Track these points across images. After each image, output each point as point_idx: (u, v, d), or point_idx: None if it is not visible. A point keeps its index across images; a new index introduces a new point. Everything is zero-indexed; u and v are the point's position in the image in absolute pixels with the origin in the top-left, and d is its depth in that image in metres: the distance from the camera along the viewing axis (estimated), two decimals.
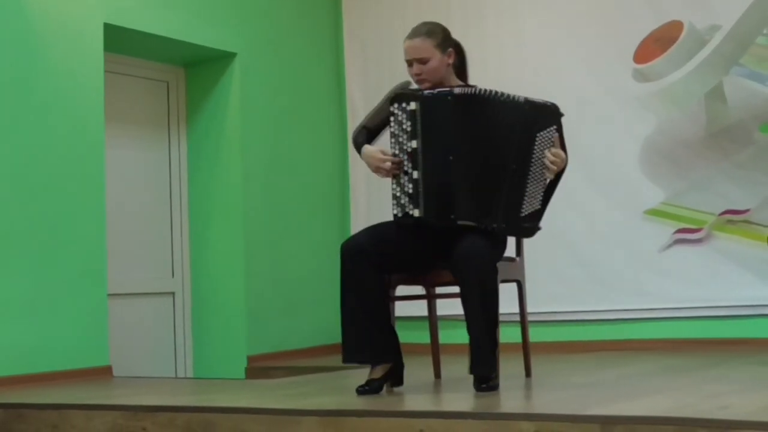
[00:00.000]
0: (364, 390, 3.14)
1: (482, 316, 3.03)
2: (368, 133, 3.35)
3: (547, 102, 3.18)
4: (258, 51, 5.43)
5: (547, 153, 3.12)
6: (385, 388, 3.20)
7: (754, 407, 2.50)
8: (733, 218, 4.73)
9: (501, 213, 3.13)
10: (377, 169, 3.20)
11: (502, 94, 3.15)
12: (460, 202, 3.14)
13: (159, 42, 5.00)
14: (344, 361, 3.21)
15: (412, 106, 3.15)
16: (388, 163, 3.16)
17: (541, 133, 3.13)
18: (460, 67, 3.38)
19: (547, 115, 3.16)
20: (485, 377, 3.07)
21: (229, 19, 5.31)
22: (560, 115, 3.19)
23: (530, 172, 3.13)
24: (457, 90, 3.18)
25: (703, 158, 4.82)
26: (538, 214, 3.20)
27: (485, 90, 3.16)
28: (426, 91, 3.21)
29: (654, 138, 4.96)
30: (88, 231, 4.51)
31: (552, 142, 3.15)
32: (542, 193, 3.18)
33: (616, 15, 5.06)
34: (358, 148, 3.34)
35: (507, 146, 3.13)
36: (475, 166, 3.15)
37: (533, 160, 3.13)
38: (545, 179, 3.16)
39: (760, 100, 4.70)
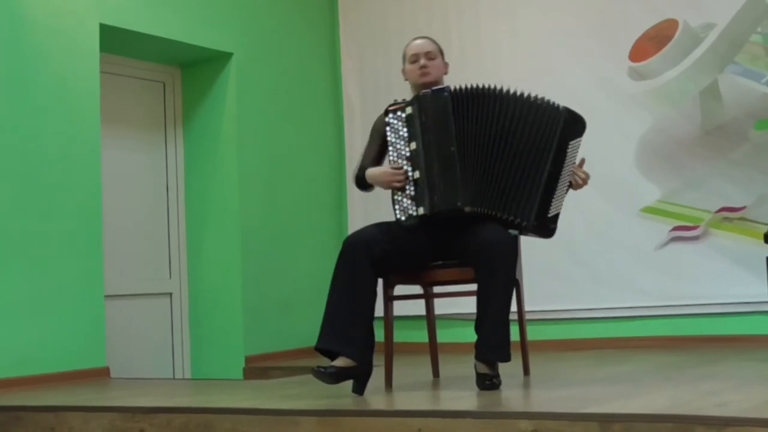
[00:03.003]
0: (318, 372, 3.04)
1: (503, 301, 3.07)
2: (372, 166, 3.40)
3: (579, 113, 3.28)
4: (254, 51, 5.43)
5: (580, 173, 3.26)
6: (353, 388, 3.13)
7: (750, 404, 2.51)
8: (730, 216, 4.73)
9: (534, 211, 3.19)
10: (390, 184, 3.24)
11: (529, 95, 3.22)
12: (468, 191, 3.17)
13: (155, 42, 5.00)
14: (317, 346, 3.14)
15: (408, 110, 3.23)
16: (400, 176, 3.21)
17: (572, 141, 3.25)
18: None
19: (579, 126, 3.28)
20: (495, 366, 3.08)
21: (225, 20, 5.30)
22: (585, 128, 3.29)
23: (561, 177, 3.23)
24: (453, 86, 3.24)
25: (699, 156, 4.83)
26: (557, 217, 3.28)
27: (491, 86, 3.22)
28: (422, 92, 3.27)
29: (649, 136, 4.97)
30: (85, 232, 4.51)
31: (577, 151, 3.26)
32: (564, 198, 3.28)
33: (612, 13, 5.07)
34: (361, 181, 3.39)
35: (546, 149, 3.20)
36: (499, 160, 3.19)
37: (565, 165, 3.24)
38: (569, 185, 3.27)
39: (754, 98, 4.71)
